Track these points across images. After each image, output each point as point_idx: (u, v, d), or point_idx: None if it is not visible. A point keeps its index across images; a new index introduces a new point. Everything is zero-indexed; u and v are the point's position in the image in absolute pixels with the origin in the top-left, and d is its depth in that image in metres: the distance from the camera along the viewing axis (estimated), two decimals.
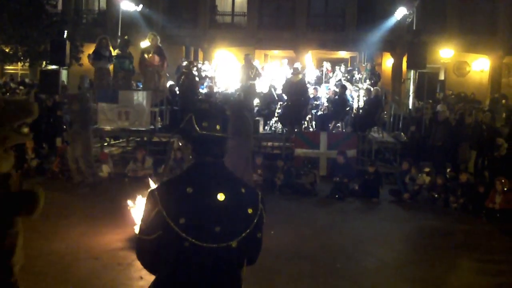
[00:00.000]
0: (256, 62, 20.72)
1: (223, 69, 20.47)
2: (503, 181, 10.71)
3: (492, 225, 10.25)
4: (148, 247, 2.72)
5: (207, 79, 19.07)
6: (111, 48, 15.72)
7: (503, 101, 21.67)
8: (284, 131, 16.08)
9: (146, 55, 15.04)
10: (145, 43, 15.35)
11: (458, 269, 8.02)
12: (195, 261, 2.63)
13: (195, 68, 18.43)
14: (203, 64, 20.70)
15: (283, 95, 16.51)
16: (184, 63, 18.67)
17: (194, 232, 2.62)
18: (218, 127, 2.79)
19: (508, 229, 9.99)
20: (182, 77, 15.82)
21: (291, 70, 16.74)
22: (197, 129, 2.77)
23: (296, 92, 15.56)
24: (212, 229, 2.63)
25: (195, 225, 2.63)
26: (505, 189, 10.62)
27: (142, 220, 2.74)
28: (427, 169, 12.95)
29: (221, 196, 2.68)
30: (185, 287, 2.64)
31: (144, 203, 2.75)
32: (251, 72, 15.86)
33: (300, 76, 16.35)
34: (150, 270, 2.84)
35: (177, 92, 16.48)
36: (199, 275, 2.63)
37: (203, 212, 2.65)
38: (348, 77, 19.78)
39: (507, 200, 10.52)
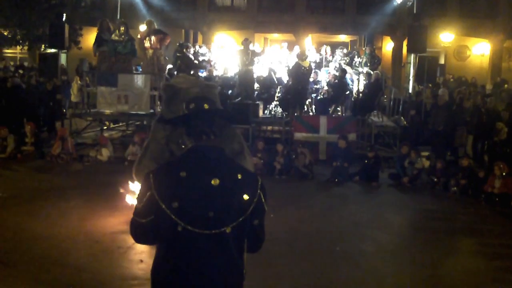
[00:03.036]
0: (256, 46, 20.64)
1: (222, 53, 20.37)
2: (501, 166, 10.72)
3: (490, 209, 10.28)
4: (141, 229, 2.75)
5: (204, 62, 18.96)
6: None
7: (505, 85, 21.66)
8: (284, 115, 16.06)
9: (145, 41, 15.00)
10: (143, 27, 15.26)
11: (456, 253, 8.06)
12: (189, 246, 2.63)
13: (192, 51, 18.32)
14: (200, 47, 20.56)
15: (285, 79, 16.47)
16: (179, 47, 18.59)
17: (187, 216, 2.62)
18: (206, 106, 2.79)
19: (506, 213, 10.03)
20: (178, 62, 15.77)
21: (297, 54, 16.65)
22: (185, 111, 2.80)
23: (304, 77, 15.54)
24: (205, 214, 2.62)
25: (188, 210, 2.62)
26: (504, 173, 10.63)
27: (137, 202, 2.76)
28: (425, 153, 12.98)
29: (215, 181, 2.65)
30: (182, 272, 2.65)
31: (140, 186, 2.76)
32: (246, 58, 15.76)
33: (308, 61, 16.31)
34: (145, 244, 2.94)
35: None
36: (195, 260, 2.64)
37: (196, 196, 2.64)
38: (348, 61, 19.71)
39: (505, 185, 10.53)
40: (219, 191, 2.66)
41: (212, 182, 2.66)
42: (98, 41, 15.08)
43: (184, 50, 17.16)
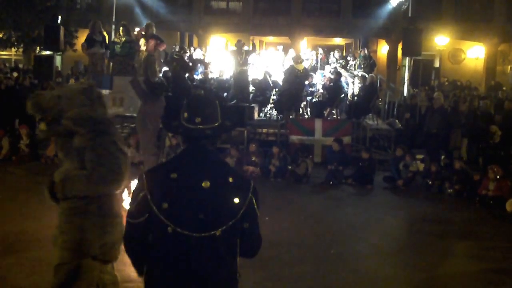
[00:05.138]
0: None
1: (217, 55, 20.38)
2: (495, 169, 10.77)
3: (485, 212, 10.31)
4: (134, 232, 2.74)
5: (200, 65, 18.98)
6: (104, 33, 15.64)
7: (504, 88, 21.82)
8: (279, 118, 16.07)
9: (141, 43, 15.01)
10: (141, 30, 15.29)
11: (451, 255, 8.08)
12: (180, 249, 2.63)
13: (187, 54, 18.34)
14: (194, 51, 20.58)
15: (280, 82, 16.49)
16: (177, 49, 18.60)
17: (177, 218, 2.62)
18: (198, 119, 2.74)
19: (500, 215, 10.05)
20: (174, 63, 15.78)
21: (293, 57, 16.67)
22: (181, 120, 2.77)
23: (298, 80, 15.54)
24: (195, 216, 2.62)
25: (178, 211, 2.63)
26: (498, 176, 10.68)
27: (130, 203, 2.76)
28: (420, 156, 13.01)
29: (206, 184, 2.65)
30: (173, 274, 2.65)
31: (134, 186, 2.77)
32: (240, 58, 15.76)
33: (303, 65, 16.32)
34: (135, 257, 2.81)
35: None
36: (185, 262, 2.63)
37: (186, 198, 2.64)
38: (343, 63, 19.77)
39: (500, 187, 10.58)
40: (210, 193, 2.66)
41: (203, 184, 2.66)
42: (89, 42, 15.06)
43: (182, 52, 17.18)
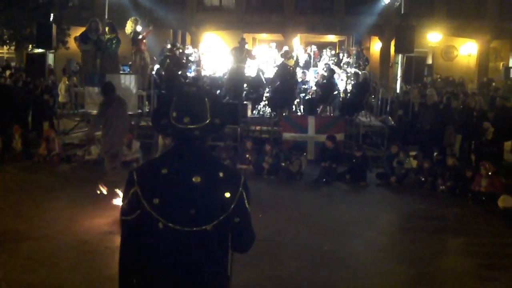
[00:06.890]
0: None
1: (210, 53, 20.36)
2: (487, 166, 10.82)
3: (478, 208, 10.35)
4: (129, 230, 2.72)
5: (192, 63, 18.97)
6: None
7: (494, 83, 21.90)
8: (272, 115, 16.07)
9: (140, 41, 15.01)
10: (129, 28, 15.24)
11: (444, 251, 8.11)
12: (171, 244, 2.63)
13: (179, 51, 18.31)
14: (186, 48, 20.56)
15: (275, 79, 16.50)
16: (168, 46, 18.57)
17: (168, 213, 2.61)
18: (186, 119, 2.71)
19: (493, 211, 10.09)
20: (167, 61, 15.75)
21: (282, 53, 16.67)
22: (170, 119, 2.75)
23: (289, 76, 15.55)
24: (186, 211, 2.62)
25: (169, 206, 2.62)
26: (490, 173, 10.73)
27: (122, 200, 2.75)
28: (413, 153, 13.05)
29: (196, 179, 2.65)
30: (164, 270, 2.64)
31: (125, 184, 2.75)
32: (240, 54, 15.81)
33: (293, 60, 16.32)
34: (129, 264, 2.72)
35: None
36: (176, 257, 2.63)
37: (177, 193, 2.63)
38: (336, 61, 19.79)
39: (492, 184, 10.63)
40: (201, 188, 2.65)
41: (194, 179, 2.65)
42: (83, 38, 14.98)
43: (174, 49, 17.16)
